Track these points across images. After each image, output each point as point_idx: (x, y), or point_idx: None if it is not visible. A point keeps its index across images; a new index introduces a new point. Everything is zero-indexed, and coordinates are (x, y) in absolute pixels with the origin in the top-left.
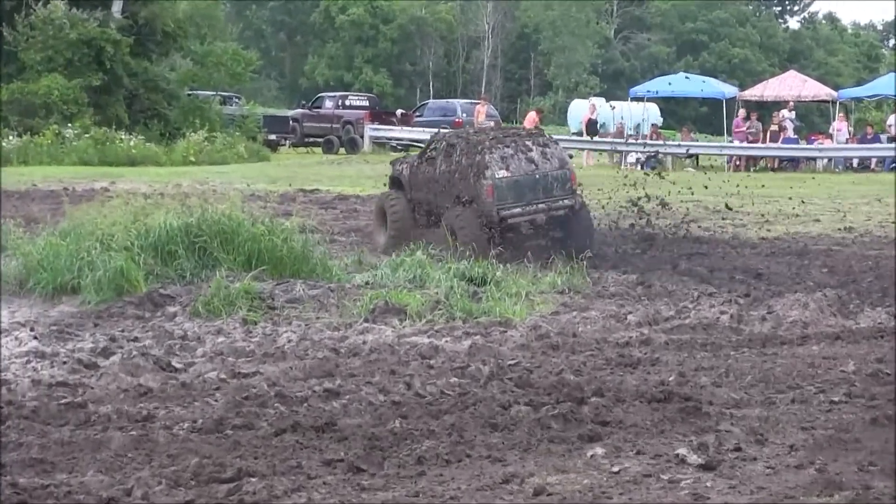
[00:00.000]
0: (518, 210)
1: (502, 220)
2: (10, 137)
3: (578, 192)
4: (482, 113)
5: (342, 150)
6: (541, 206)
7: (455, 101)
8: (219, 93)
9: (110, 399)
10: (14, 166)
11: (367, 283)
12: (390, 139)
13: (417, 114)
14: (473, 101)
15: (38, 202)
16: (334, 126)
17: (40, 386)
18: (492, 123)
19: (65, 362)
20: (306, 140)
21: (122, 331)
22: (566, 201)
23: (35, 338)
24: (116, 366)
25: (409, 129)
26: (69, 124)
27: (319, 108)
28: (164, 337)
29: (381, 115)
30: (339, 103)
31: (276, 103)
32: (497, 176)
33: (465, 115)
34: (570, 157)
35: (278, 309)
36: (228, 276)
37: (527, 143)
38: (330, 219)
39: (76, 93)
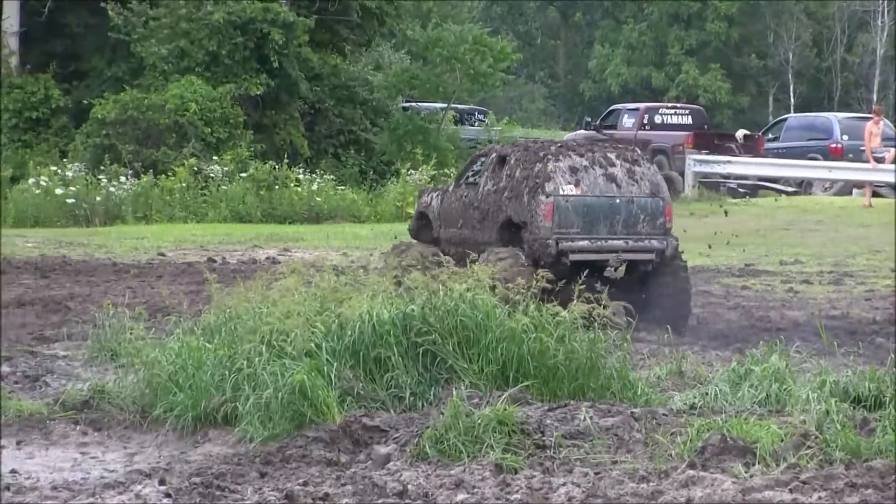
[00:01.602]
0: (585, 243)
1: (560, 256)
2: (123, 179)
3: (673, 234)
4: (876, 134)
5: None
6: (617, 242)
7: (830, 115)
8: (453, 105)
9: None
10: (129, 224)
11: (692, 406)
12: (726, 177)
13: (770, 136)
14: (863, 115)
15: (169, 281)
16: None
17: None
18: (892, 152)
19: None
20: None
21: (305, 484)
22: (655, 242)
23: (168, 495)
24: None
25: (757, 160)
26: (214, 157)
27: (613, 127)
28: (370, 493)
29: (711, 138)
30: (645, 121)
31: (544, 121)
32: (561, 192)
33: (846, 137)
34: None
35: (552, 448)
36: (471, 396)
37: (609, 154)
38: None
39: (226, 107)
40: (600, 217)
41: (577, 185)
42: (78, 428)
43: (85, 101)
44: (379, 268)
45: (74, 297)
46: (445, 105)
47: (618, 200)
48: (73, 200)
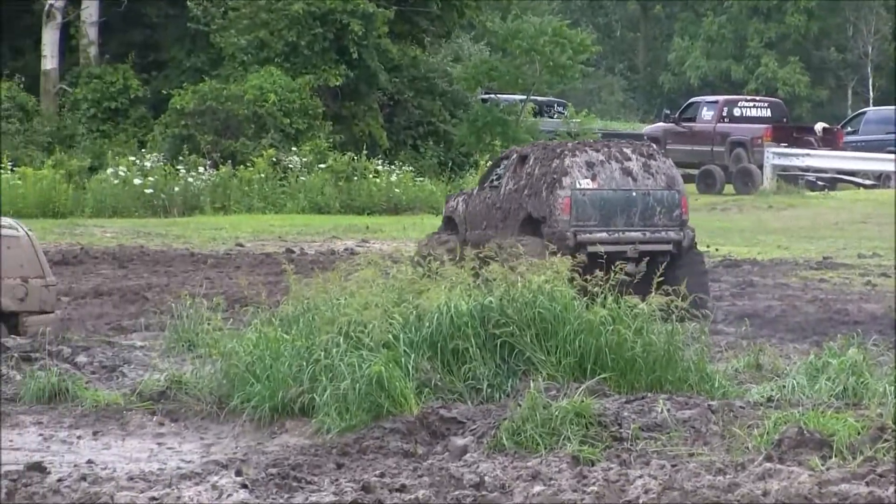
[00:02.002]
0: (603, 235)
1: (579, 247)
2: (201, 169)
3: (689, 224)
4: None
5: (729, 186)
6: (634, 234)
7: None
8: (532, 97)
9: None
10: (207, 214)
11: (769, 398)
12: (805, 170)
13: (849, 129)
14: None
15: (247, 271)
16: (716, 149)
17: None
18: None
19: None
20: None
21: (382, 475)
22: (672, 234)
23: (244, 486)
24: None
25: (837, 153)
26: (293, 148)
27: (692, 120)
28: (447, 485)
29: (790, 131)
30: (724, 113)
31: (623, 113)
32: (578, 185)
33: None
34: None
35: (628, 440)
36: (549, 388)
37: (625, 149)
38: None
39: (305, 98)
40: (617, 210)
41: (593, 179)
42: (155, 418)
43: (164, 92)
44: (414, 257)
45: (152, 287)
46: (524, 97)
47: (634, 193)
48: (151, 191)
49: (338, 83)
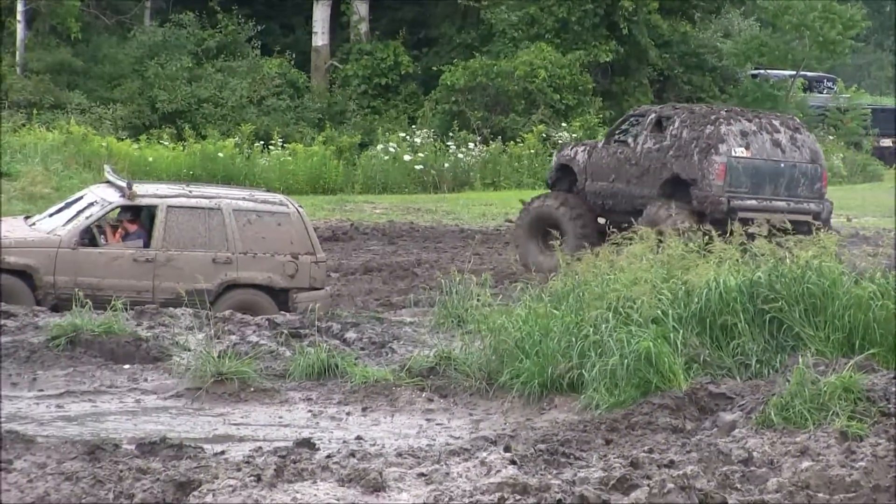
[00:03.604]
0: (753, 203)
1: (731, 213)
2: (471, 145)
3: (828, 198)
4: None
5: None
6: (780, 203)
7: None
8: (801, 73)
9: None
10: (477, 190)
11: None
12: None
13: None
14: None
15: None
16: None
17: None
18: None
19: (559, 501)
20: None
21: (650, 451)
22: (812, 205)
23: (513, 462)
24: None
25: None
26: (563, 124)
27: None
28: (715, 460)
29: None
30: None
31: (892, 89)
32: (734, 153)
33: None
34: None
35: None
36: (817, 364)
37: (774, 122)
38: None
39: (575, 74)
40: (766, 179)
41: (747, 147)
42: (424, 395)
43: (434, 68)
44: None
45: (421, 263)
46: (794, 73)
47: (782, 165)
48: (421, 167)
49: (608, 59)
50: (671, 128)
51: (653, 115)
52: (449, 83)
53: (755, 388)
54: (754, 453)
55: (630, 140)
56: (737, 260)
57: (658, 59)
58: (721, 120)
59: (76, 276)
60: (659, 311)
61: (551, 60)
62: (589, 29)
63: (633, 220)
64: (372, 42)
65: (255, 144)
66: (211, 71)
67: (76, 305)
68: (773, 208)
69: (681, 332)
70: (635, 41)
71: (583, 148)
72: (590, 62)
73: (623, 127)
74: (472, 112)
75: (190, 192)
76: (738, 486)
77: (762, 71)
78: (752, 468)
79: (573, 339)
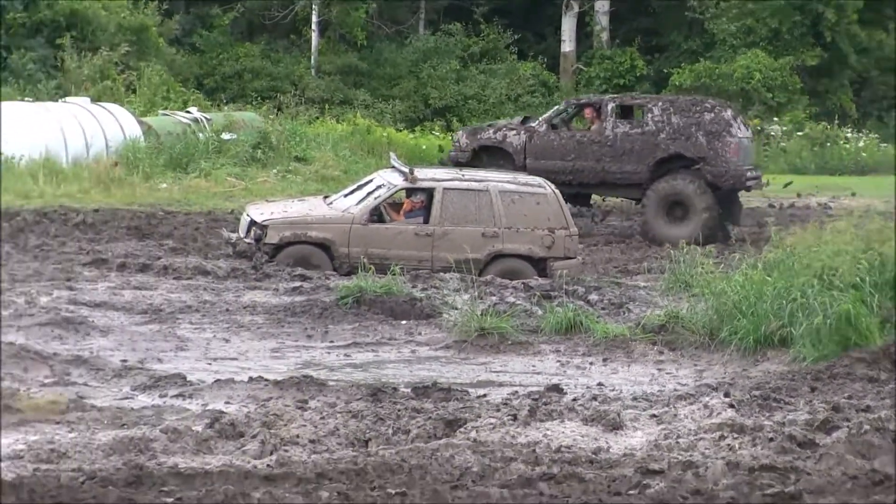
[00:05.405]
0: (751, 174)
1: (744, 184)
2: None
3: None
4: None
5: None
6: (755, 172)
7: None
8: None
9: (833, 489)
10: None
11: None
12: None
13: None
14: None
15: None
16: None
17: (738, 470)
18: None
19: (771, 439)
20: None
21: (849, 397)
22: (759, 171)
23: (731, 406)
24: (841, 445)
25: None
26: (775, 118)
27: None
28: None
29: None
30: None
31: None
32: (739, 135)
33: None
34: None
35: None
36: None
37: (733, 108)
38: None
39: (785, 76)
40: (749, 153)
41: (742, 129)
42: (655, 348)
43: (664, 71)
44: None
45: None
46: None
47: (751, 141)
48: None
49: (814, 63)
50: (650, 115)
51: (611, 105)
52: (677, 83)
53: None
54: None
55: (569, 126)
56: None
57: (857, 63)
58: (718, 108)
59: (366, 247)
60: (858, 279)
61: (765, 64)
62: (797, 37)
63: (604, 192)
64: (612, 48)
65: None
66: (475, 72)
67: (361, 271)
68: (757, 176)
69: (876, 296)
70: (837, 48)
71: (513, 133)
72: (798, 66)
73: (562, 115)
74: None
75: (462, 176)
76: None
77: None
78: None
79: (783, 302)
